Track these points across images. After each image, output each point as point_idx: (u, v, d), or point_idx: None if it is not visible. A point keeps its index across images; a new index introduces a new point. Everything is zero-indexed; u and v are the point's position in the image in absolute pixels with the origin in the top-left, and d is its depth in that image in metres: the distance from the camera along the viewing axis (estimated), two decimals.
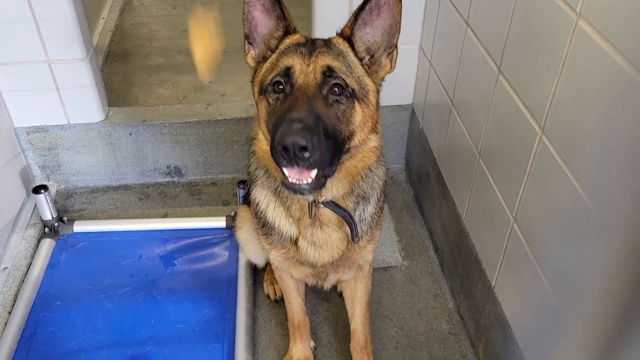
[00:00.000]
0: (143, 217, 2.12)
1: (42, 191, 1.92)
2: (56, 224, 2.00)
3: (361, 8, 1.13)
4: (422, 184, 2.17)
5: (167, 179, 2.31)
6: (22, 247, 1.95)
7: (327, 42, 1.17)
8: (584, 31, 1.02)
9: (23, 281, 1.85)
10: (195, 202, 2.23)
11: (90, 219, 2.11)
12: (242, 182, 1.99)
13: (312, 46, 1.14)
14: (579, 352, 1.10)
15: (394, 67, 1.22)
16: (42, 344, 1.70)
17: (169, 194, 2.26)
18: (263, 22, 1.21)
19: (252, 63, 1.25)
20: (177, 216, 2.14)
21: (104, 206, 2.19)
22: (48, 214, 1.98)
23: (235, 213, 2.08)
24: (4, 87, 2.00)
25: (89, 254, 1.98)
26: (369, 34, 1.18)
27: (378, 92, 1.21)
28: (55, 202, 2.11)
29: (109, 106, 2.20)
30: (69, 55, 1.95)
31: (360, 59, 1.19)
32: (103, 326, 1.77)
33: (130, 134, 2.17)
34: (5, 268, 1.89)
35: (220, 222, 2.08)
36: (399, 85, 2.08)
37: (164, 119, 2.17)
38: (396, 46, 1.20)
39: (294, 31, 1.20)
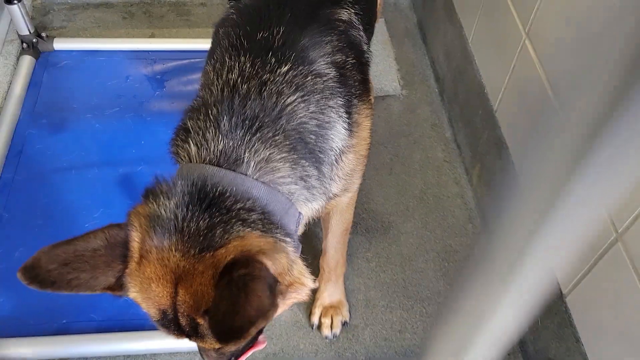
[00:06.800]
0: (128, 37, 1.99)
1: (15, 2, 1.77)
2: (34, 40, 1.87)
3: None
4: (426, 9, 2.02)
5: None
6: (1, 64, 1.85)
7: None
8: None
9: (5, 98, 1.77)
10: (183, 23, 2.08)
11: (71, 37, 1.98)
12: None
13: None
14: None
15: None
16: (30, 160, 1.67)
17: (155, 14, 2.10)
18: None
19: None
20: (165, 37, 2.01)
21: (84, 24, 2.04)
22: (25, 29, 1.84)
23: None
24: None
25: (72, 73, 1.88)
26: None
27: None
28: (32, 18, 1.96)
29: None
30: None
31: None
32: (92, 145, 1.73)
33: None
34: None
35: (209, 45, 1.96)
36: None
37: None
38: None
39: None
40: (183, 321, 0.80)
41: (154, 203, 0.82)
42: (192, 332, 0.81)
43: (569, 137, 0.27)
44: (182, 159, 0.91)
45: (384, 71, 1.96)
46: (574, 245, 0.29)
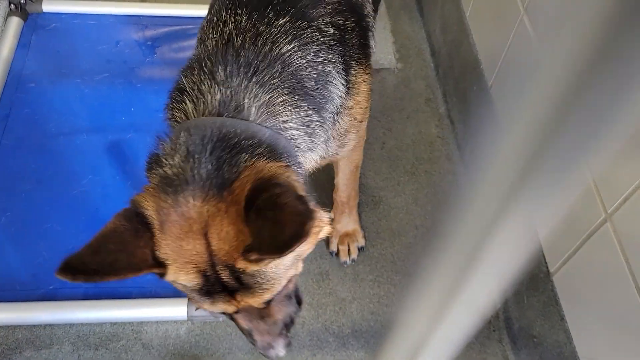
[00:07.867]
0: (119, 1, 1.94)
1: None
2: (22, 1, 1.82)
3: None
4: None
5: None
6: None
7: None
8: None
9: None
10: None
11: None
12: None
13: None
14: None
15: None
16: (18, 124, 1.64)
17: None
18: None
19: None
20: (157, 2, 1.97)
21: None
22: None
23: None
24: None
25: (61, 36, 1.84)
26: None
27: None
28: None
29: None
30: None
31: None
32: (81, 111, 1.70)
33: None
34: None
35: (203, 11, 1.91)
36: None
37: None
38: None
39: None
40: (225, 275, 0.77)
41: (159, 169, 0.79)
42: (237, 286, 0.78)
43: (550, 95, 0.25)
44: (178, 121, 0.87)
45: (379, 44, 1.92)
46: (554, 213, 0.28)
